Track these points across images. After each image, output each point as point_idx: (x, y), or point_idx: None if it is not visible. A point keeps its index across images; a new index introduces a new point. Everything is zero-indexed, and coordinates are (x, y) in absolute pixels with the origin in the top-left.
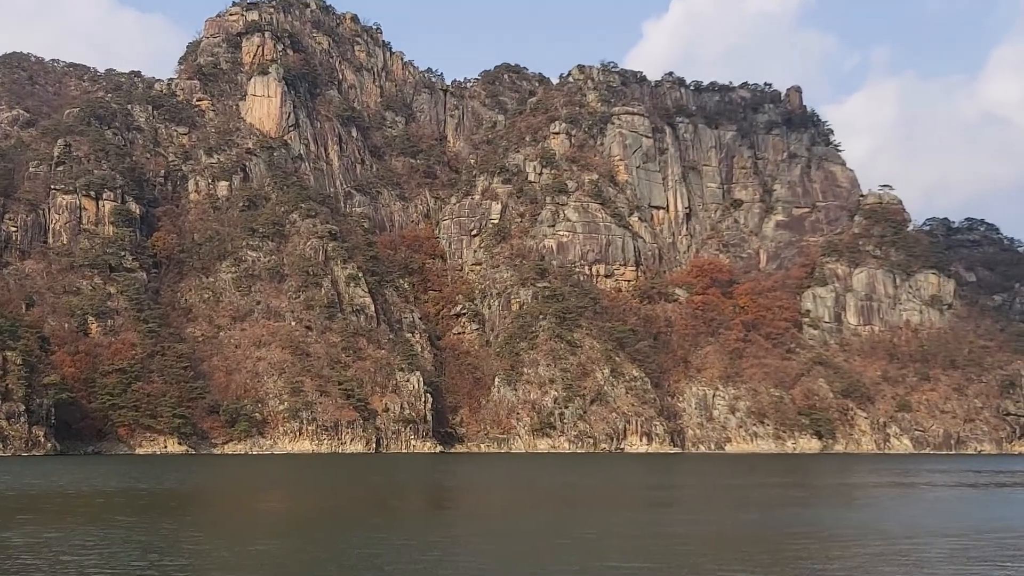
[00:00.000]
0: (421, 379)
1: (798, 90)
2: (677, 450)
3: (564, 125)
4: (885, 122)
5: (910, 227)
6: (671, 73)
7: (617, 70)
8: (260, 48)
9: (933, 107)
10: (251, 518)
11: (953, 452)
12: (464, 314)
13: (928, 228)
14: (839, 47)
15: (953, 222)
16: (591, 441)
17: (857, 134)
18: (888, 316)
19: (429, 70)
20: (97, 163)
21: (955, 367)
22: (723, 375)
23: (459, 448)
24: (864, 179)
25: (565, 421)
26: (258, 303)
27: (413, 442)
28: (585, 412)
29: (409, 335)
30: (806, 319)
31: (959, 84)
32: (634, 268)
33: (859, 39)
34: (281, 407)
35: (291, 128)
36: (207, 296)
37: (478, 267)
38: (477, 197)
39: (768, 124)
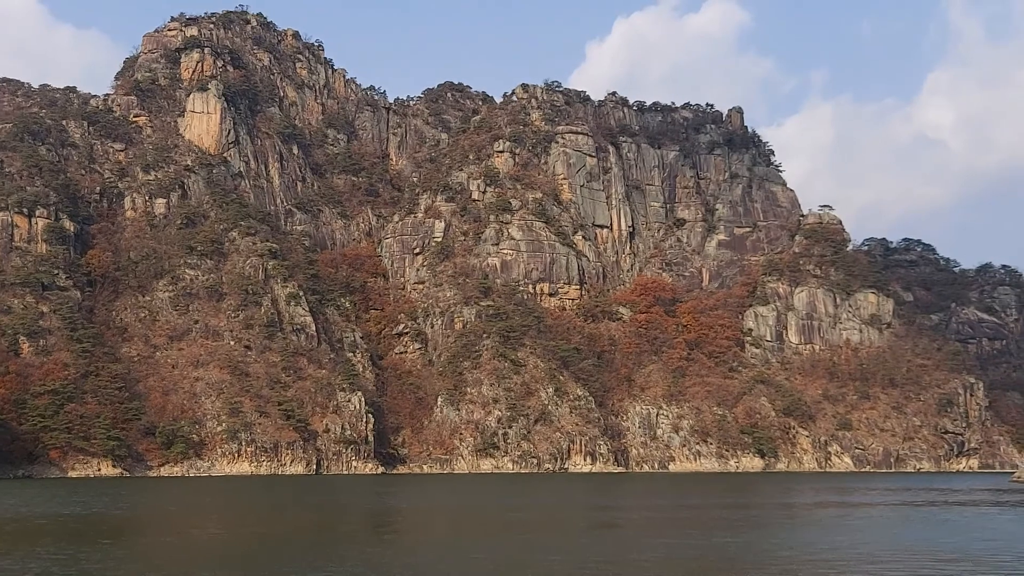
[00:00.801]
0: (363, 399)
1: (739, 111)
2: (621, 469)
3: (508, 144)
4: (821, 144)
5: (849, 247)
6: (614, 93)
7: (561, 89)
8: (199, 64)
9: (868, 130)
10: (187, 546)
11: (893, 470)
12: (406, 333)
13: (866, 248)
14: (777, 70)
15: (891, 242)
16: (535, 461)
17: (795, 156)
18: (828, 335)
19: (372, 88)
20: (30, 179)
21: (894, 386)
22: (666, 394)
23: (401, 469)
24: (802, 200)
25: (509, 441)
26: (196, 322)
27: (354, 463)
28: (529, 432)
29: (350, 354)
30: (748, 338)
31: (894, 107)
32: (578, 287)
33: (796, 63)
34: (219, 428)
35: (231, 145)
36: (143, 315)
37: (421, 286)
38: (420, 215)
39: (710, 144)
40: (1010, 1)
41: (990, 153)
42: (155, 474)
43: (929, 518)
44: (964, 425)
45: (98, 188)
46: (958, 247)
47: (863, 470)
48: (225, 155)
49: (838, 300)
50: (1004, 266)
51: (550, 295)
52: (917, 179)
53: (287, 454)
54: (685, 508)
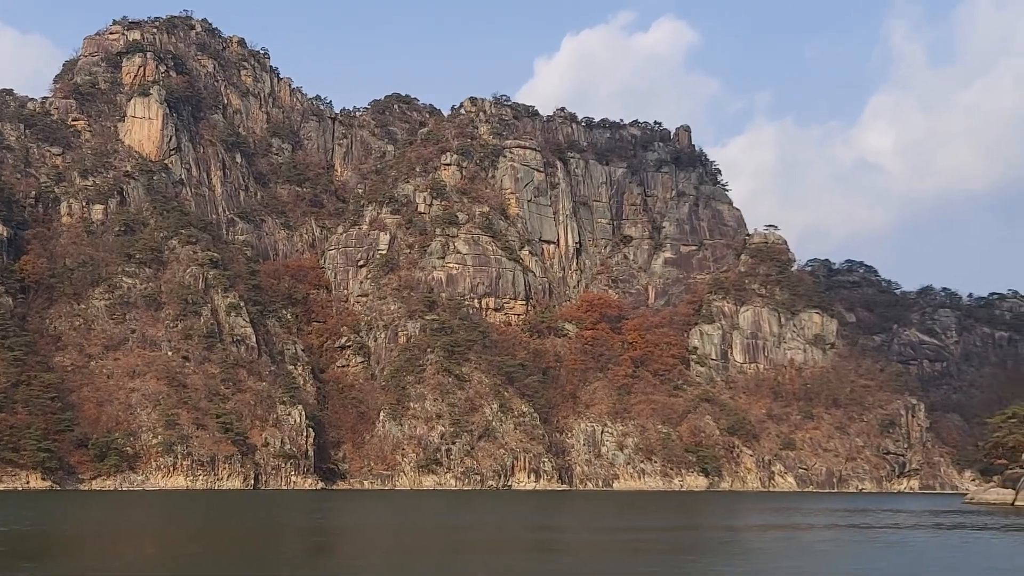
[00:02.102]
0: (303, 413)
1: (687, 129)
2: (565, 487)
3: (455, 156)
4: (765, 166)
5: (794, 267)
6: (563, 108)
7: (509, 103)
8: (141, 68)
9: (811, 152)
10: (119, 567)
11: (835, 490)
12: (349, 346)
13: (810, 269)
14: (724, 91)
15: (833, 263)
16: (478, 478)
17: (738, 177)
18: (773, 354)
19: (317, 97)
20: None
21: (837, 406)
22: (611, 411)
23: (341, 485)
24: (746, 221)
25: (452, 457)
26: (133, 332)
27: (294, 478)
28: (472, 448)
29: (291, 367)
30: (693, 356)
31: (836, 131)
32: (524, 302)
33: (742, 84)
34: (155, 441)
35: (172, 152)
36: (78, 323)
37: (364, 298)
38: (365, 227)
39: (657, 162)
40: (951, 26)
41: (930, 177)
42: (86, 487)
43: (933, 543)
44: (906, 446)
45: (34, 192)
46: (899, 270)
47: (806, 490)
48: (166, 162)
49: (783, 320)
50: (945, 289)
51: (496, 310)
52: (858, 202)
53: (224, 468)
54: (631, 530)
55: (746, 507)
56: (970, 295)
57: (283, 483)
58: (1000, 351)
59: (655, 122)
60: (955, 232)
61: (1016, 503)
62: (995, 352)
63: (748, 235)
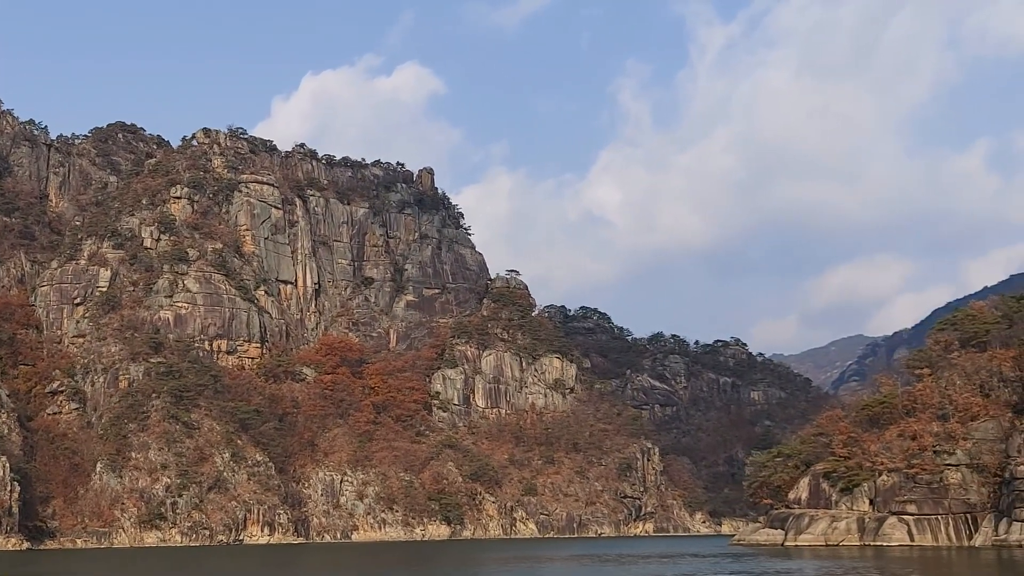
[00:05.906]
0: (7, 465)
1: (430, 172)
2: (301, 540)
3: (186, 190)
4: (498, 215)
5: (534, 312)
6: (303, 145)
7: (246, 136)
8: None
9: (542, 204)
10: None
11: (576, 536)
12: (62, 392)
13: (548, 315)
14: (464, 139)
15: (569, 310)
16: (207, 533)
17: (474, 224)
18: (515, 399)
19: (31, 122)
20: None
21: (577, 450)
22: (352, 459)
23: (50, 544)
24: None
25: (178, 511)
26: None
27: None
28: (201, 501)
29: None
30: (436, 401)
31: (567, 184)
32: (259, 345)
33: (481, 134)
34: None
35: None
36: None
37: (81, 339)
38: (83, 262)
39: (400, 203)
40: (675, 89)
41: (652, 233)
42: None
43: None
44: (642, 490)
45: None
46: (625, 319)
47: (547, 536)
48: None
49: (524, 364)
50: (674, 336)
51: (228, 353)
52: (585, 254)
53: None
54: None
55: (487, 556)
56: (696, 342)
57: None
58: (724, 396)
59: (398, 163)
60: (673, 285)
61: (786, 543)
62: (720, 397)
63: (490, 279)
